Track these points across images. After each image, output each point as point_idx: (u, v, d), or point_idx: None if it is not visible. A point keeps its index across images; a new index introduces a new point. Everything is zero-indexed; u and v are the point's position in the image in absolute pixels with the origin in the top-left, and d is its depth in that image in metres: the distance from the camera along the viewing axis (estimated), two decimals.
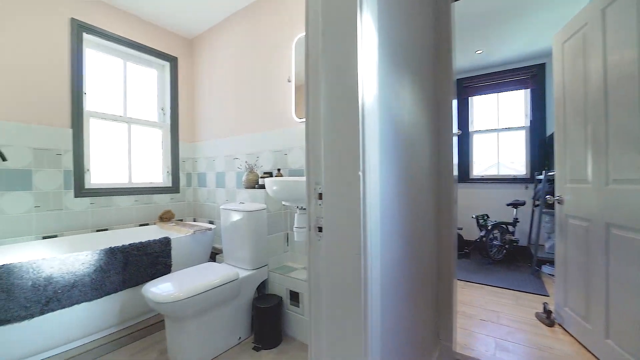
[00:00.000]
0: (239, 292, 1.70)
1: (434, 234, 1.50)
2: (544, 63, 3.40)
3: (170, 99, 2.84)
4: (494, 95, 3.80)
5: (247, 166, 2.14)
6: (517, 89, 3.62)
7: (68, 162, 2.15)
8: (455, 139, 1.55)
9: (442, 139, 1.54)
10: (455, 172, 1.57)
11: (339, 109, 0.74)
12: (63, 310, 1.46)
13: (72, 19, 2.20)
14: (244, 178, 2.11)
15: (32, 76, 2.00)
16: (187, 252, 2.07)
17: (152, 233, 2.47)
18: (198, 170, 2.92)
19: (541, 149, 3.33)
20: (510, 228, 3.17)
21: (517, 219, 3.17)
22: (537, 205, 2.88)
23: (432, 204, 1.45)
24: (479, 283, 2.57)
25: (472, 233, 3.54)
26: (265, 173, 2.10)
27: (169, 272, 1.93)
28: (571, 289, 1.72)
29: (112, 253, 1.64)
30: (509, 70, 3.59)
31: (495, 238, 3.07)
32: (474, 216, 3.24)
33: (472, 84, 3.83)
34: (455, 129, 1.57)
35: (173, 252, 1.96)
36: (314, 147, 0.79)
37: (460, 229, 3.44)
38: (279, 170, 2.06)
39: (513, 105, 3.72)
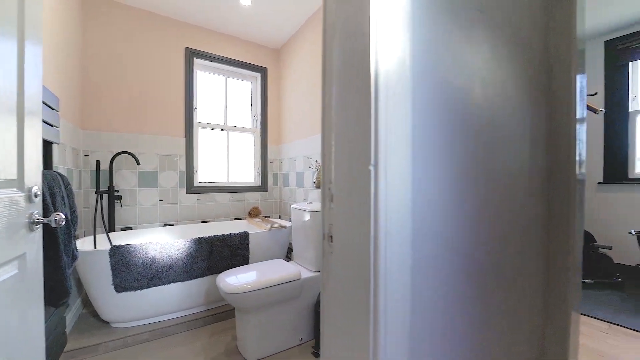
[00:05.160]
0: (300, 293, 1.68)
1: (540, 252, 1.08)
2: None
3: (260, 106, 3.13)
4: None
5: (317, 165, 2.12)
6: None
7: (182, 164, 2.63)
8: (585, 124, 1.07)
9: (556, 125, 1.09)
10: (581, 170, 1.08)
11: (347, 80, 0.58)
12: (162, 286, 1.77)
13: (186, 48, 2.69)
14: (314, 177, 2.09)
15: (159, 98, 2.54)
16: (264, 247, 2.20)
17: (241, 227, 2.76)
18: (283, 170, 3.11)
19: None
20: None
21: None
22: None
23: (538, 211, 1.04)
24: (638, 330, 1.76)
25: (630, 255, 2.50)
26: None
27: (247, 264, 2.10)
28: None
29: (199, 242, 1.89)
30: None
31: None
32: (633, 232, 2.26)
33: (634, 43, 2.70)
34: (583, 109, 1.09)
35: (251, 246, 2.12)
36: (327, 136, 0.65)
37: (609, 248, 2.47)
38: None
39: None
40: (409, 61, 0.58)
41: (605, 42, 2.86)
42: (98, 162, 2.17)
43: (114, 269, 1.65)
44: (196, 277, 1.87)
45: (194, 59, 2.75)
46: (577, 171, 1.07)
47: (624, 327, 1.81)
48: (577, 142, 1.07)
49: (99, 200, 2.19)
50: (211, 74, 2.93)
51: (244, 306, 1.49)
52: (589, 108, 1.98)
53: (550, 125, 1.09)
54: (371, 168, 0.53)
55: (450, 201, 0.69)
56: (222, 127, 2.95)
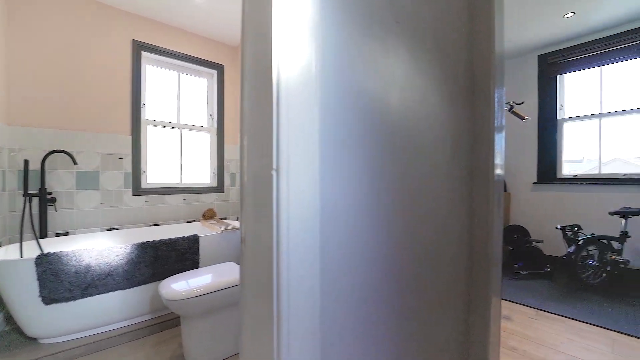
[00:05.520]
0: None
1: (463, 249, 1.17)
2: None
3: (217, 104, 3.04)
4: (596, 69, 2.92)
5: None
6: (631, 58, 2.70)
7: (128, 164, 2.47)
8: (504, 132, 1.18)
9: (477, 132, 1.19)
10: (499, 172, 1.19)
11: (256, 84, 0.58)
12: (100, 295, 1.65)
13: (133, 40, 2.52)
14: None
15: (102, 92, 2.36)
16: (216, 249, 2.14)
17: (193, 230, 2.66)
18: None
19: None
20: (616, 244, 2.36)
21: (626, 232, 2.34)
22: None
23: (461, 211, 1.12)
24: (559, 314, 1.97)
25: (557, 247, 2.79)
26: None
27: (197, 268, 2.02)
28: None
29: (143, 247, 1.79)
30: (619, 35, 2.70)
31: (591, 257, 2.33)
32: (559, 227, 2.54)
33: (561, 59, 3.02)
34: (502, 119, 1.20)
35: (201, 249, 2.05)
36: (242, 140, 0.65)
37: (541, 241, 2.74)
38: None
39: (626, 81, 2.79)
40: (316, 70, 0.59)
41: (539, 56, 3.16)
42: (26, 162, 1.96)
43: (41, 278, 1.50)
44: (139, 284, 1.77)
45: (142, 52, 2.60)
46: (495, 174, 1.18)
47: (550, 312, 2.02)
48: (496, 147, 1.18)
49: (28, 204, 1.99)
50: (162, 68, 2.79)
51: (187, 313, 1.44)
52: (517, 115, 2.18)
53: (473, 133, 1.18)
54: (273, 173, 0.53)
55: (367, 205, 0.72)
56: (174, 125, 2.81)
